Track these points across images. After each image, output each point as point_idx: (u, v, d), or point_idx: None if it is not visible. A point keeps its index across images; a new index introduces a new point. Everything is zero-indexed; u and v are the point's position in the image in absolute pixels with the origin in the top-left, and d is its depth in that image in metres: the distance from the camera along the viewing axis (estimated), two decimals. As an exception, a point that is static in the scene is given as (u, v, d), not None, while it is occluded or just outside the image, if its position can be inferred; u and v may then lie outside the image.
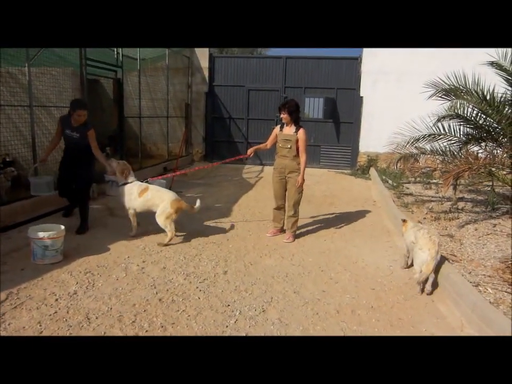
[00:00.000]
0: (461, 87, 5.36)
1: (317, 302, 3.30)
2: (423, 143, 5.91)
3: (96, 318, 2.92)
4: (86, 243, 4.46)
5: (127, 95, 8.37)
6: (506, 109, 5.19)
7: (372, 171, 9.99)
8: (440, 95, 5.57)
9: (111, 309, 3.06)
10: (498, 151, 5.12)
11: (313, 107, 10.55)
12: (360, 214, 6.21)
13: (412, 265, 3.87)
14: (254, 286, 3.57)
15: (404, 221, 4.08)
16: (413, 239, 3.71)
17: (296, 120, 4.77)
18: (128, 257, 4.12)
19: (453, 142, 5.80)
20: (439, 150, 5.87)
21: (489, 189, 7.46)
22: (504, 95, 5.35)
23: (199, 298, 3.31)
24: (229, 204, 6.75)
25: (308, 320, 3.00)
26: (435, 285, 3.50)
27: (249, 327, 2.87)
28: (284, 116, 4.73)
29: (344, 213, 6.32)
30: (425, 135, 5.80)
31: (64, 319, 2.88)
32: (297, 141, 4.69)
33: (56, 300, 3.17)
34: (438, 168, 5.57)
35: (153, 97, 9.77)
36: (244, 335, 2.76)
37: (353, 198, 7.58)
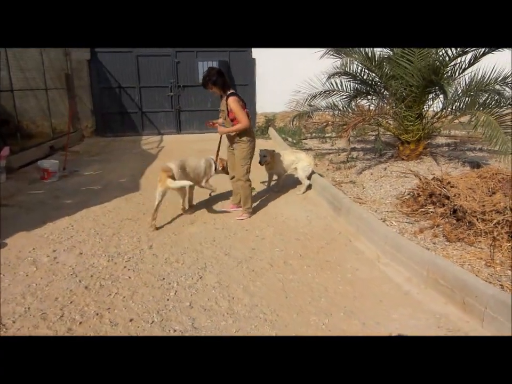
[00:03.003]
0: (349, 46, 5.75)
1: (250, 259, 3.42)
2: (320, 99, 6.28)
3: (14, 322, 2.58)
4: (-25, 242, 3.84)
5: (-14, 65, 7.11)
6: (385, 66, 5.77)
7: (271, 131, 10.33)
8: (332, 53, 5.91)
9: (29, 309, 2.73)
10: (381, 104, 5.72)
11: (207, 71, 10.35)
12: (269, 173, 6.43)
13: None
14: (184, 256, 3.53)
15: (273, 151, 5.31)
16: (294, 158, 5.19)
17: (225, 87, 4.20)
18: (34, 249, 3.70)
19: (344, 97, 6.28)
20: (333, 105, 6.31)
21: (373, 138, 8.36)
22: (381, 53, 5.92)
23: (129, 277, 3.16)
24: (135, 178, 6.42)
25: (246, 278, 3.10)
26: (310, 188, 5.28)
27: (191, 295, 2.86)
28: (213, 89, 4.20)
29: (252, 173, 6.46)
30: (321, 91, 6.16)
31: (-28, 333, 2.46)
32: (228, 110, 4.20)
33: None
34: (336, 122, 6.02)
35: (23, 67, 8.49)
36: (188, 304, 2.75)
37: (258, 158, 7.74)
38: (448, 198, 3.41)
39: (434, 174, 5.00)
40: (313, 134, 9.42)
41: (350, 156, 6.79)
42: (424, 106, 5.88)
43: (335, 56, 6.03)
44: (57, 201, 5.18)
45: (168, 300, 2.82)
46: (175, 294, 2.89)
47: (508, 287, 2.51)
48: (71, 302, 2.81)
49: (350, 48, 5.78)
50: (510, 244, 2.87)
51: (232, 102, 4.14)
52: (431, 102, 5.92)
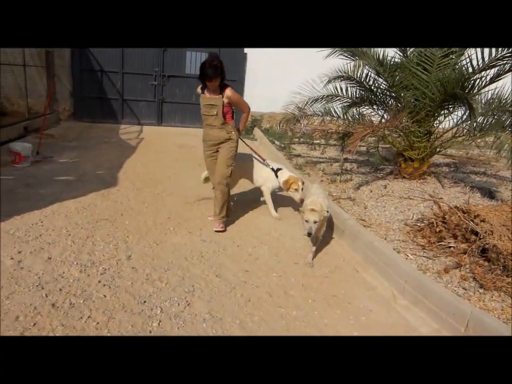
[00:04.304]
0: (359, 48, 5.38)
1: (244, 285, 3.00)
2: (320, 104, 5.91)
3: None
4: None
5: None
6: (398, 73, 5.41)
7: (257, 131, 9.92)
8: (341, 53, 5.51)
9: (-20, 330, 2.25)
10: (391, 115, 5.30)
11: (196, 62, 9.90)
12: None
13: None
14: (168, 272, 3.09)
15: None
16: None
17: (224, 80, 3.69)
18: (-4, 247, 3.17)
19: (347, 104, 5.91)
20: (333, 111, 5.95)
21: (365, 149, 8.09)
22: (393, 59, 5.56)
23: (105, 296, 2.70)
24: (113, 170, 5.89)
25: (242, 310, 2.68)
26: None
27: (178, 328, 2.43)
28: (217, 82, 3.58)
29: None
30: (323, 95, 5.77)
31: None
32: (223, 104, 3.71)
33: None
34: (338, 130, 5.63)
35: (-2, 38, 7.68)
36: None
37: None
38: (476, 233, 3.03)
39: (441, 198, 4.70)
40: (301, 139, 9.07)
41: (343, 167, 6.47)
42: (435, 122, 5.56)
43: (346, 57, 5.60)
44: (27, 190, 4.62)
45: (150, 332, 2.38)
46: (158, 324, 2.45)
47: None
48: (34, 324, 2.34)
49: (361, 50, 5.38)
50: None
51: (233, 92, 3.76)
52: (443, 118, 5.57)
